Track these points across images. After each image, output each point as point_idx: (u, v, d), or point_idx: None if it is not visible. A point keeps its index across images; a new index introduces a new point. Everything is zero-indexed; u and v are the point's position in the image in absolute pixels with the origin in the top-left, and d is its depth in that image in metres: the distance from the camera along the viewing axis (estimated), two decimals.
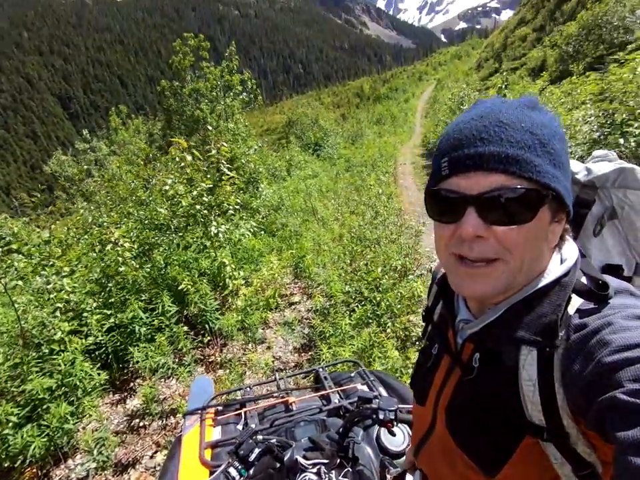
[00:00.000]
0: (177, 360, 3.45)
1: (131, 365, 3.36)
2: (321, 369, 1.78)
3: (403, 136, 21.57)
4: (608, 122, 5.03)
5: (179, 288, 3.61)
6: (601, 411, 0.43)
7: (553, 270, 0.56)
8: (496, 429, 0.56)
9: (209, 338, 3.70)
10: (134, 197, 5.28)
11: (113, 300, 3.45)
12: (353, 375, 1.72)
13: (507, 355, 0.55)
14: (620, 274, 0.65)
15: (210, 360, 3.63)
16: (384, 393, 1.55)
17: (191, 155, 3.69)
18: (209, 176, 4.11)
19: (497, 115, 0.51)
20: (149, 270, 3.92)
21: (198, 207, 3.85)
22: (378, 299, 3.49)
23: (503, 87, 8.44)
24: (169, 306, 3.49)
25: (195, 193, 3.83)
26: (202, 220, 3.98)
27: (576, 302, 0.52)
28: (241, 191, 6.81)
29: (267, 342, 3.87)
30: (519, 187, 0.49)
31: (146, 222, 4.45)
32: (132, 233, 4.08)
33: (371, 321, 3.42)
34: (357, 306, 3.63)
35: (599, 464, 0.50)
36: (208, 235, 4.05)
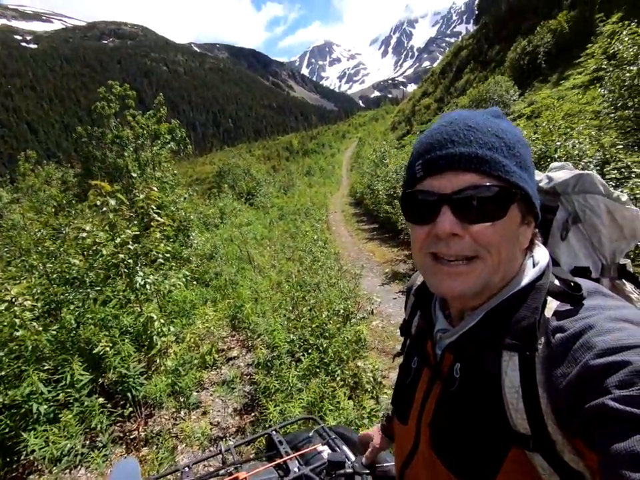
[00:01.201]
0: (88, 442, 2.83)
1: (24, 457, 2.66)
2: (273, 432, 1.54)
3: (331, 187, 22.84)
4: None
5: (94, 351, 3.07)
6: (588, 419, 0.42)
7: (527, 273, 0.58)
8: (481, 443, 0.54)
9: (130, 409, 3.14)
10: (39, 248, 4.57)
11: (3, 373, 2.78)
12: (311, 434, 1.51)
13: (488, 361, 0.55)
14: (588, 276, 0.67)
15: (132, 437, 3.05)
16: (348, 451, 1.38)
17: (115, 198, 3.36)
18: (135, 222, 3.76)
19: (465, 121, 0.54)
20: (55, 332, 3.30)
21: (121, 255, 3.44)
22: (325, 345, 3.35)
23: None
24: (80, 374, 2.92)
25: (118, 240, 3.44)
26: (126, 270, 3.55)
27: (552, 304, 0.54)
28: (170, 240, 6.37)
29: (202, 406, 3.41)
30: (490, 184, 0.51)
31: (54, 276, 3.83)
32: (35, 290, 3.46)
33: (318, 370, 3.23)
34: (303, 355, 3.44)
35: (588, 472, 0.48)
36: (132, 287, 3.60)
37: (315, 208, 14.42)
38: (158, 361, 3.53)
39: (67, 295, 3.70)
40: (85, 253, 3.68)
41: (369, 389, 2.98)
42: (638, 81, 5.13)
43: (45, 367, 2.99)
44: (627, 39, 5.38)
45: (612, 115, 5.64)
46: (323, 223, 11.97)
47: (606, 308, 0.50)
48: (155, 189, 3.82)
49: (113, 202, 3.36)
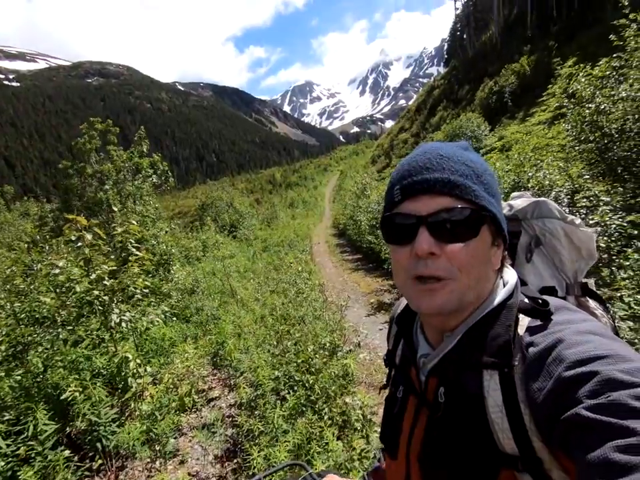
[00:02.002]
0: None
1: None
2: None
3: (314, 218, 23.06)
4: None
5: (62, 397, 2.84)
6: (565, 430, 0.44)
7: (499, 292, 0.61)
8: (470, 469, 0.54)
9: (100, 462, 2.87)
10: (8, 287, 4.33)
11: None
12: None
13: (470, 382, 0.56)
14: (555, 295, 0.71)
15: None
16: None
17: (92, 233, 3.25)
18: (112, 257, 3.63)
19: (437, 151, 0.59)
20: (19, 377, 3.05)
21: (96, 292, 3.28)
22: (311, 381, 3.21)
23: None
24: (44, 424, 2.67)
25: (93, 276, 3.30)
26: (100, 308, 3.38)
27: (524, 321, 0.57)
28: (150, 275, 6.17)
29: (180, 454, 3.15)
30: (462, 206, 0.56)
31: (22, 316, 3.60)
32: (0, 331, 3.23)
33: (305, 408, 3.07)
34: (289, 392, 3.27)
35: None
36: (107, 326, 3.41)
37: (299, 239, 14.43)
38: (132, 405, 3.28)
39: (35, 336, 3.47)
40: (57, 290, 3.49)
41: (359, 428, 2.84)
42: (597, 117, 5.53)
43: (5, 418, 2.73)
44: (583, 79, 5.86)
45: (577, 148, 6.00)
46: (307, 254, 11.94)
47: (573, 322, 0.53)
48: (135, 222, 3.73)
49: (89, 236, 3.25)
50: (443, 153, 0.59)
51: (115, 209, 7.60)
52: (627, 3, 5.55)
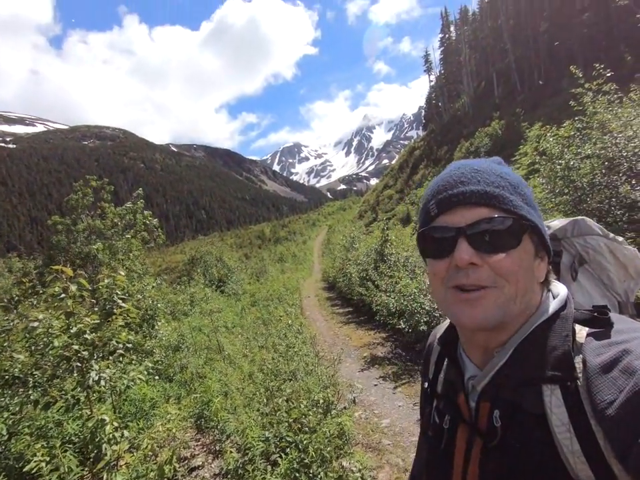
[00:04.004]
0: None
1: None
2: None
3: (304, 272, 22.98)
4: None
5: (25, 469, 2.53)
6: None
7: (549, 304, 0.58)
8: None
9: None
10: None
11: None
12: None
13: (528, 401, 0.52)
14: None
15: None
16: None
17: (77, 284, 3.16)
18: (96, 309, 3.49)
19: (471, 166, 0.60)
20: None
21: (76, 347, 3.10)
22: (305, 442, 2.96)
23: (386, 227, 10.23)
24: None
25: (74, 329, 3.13)
26: (79, 364, 3.16)
27: (582, 332, 0.53)
28: (132, 332, 5.90)
29: None
30: (500, 216, 0.55)
31: None
32: None
33: (298, 474, 2.80)
34: (280, 456, 3.00)
35: None
36: (84, 385, 3.17)
37: (288, 293, 14.22)
38: (105, 476, 2.93)
39: (2, 399, 3.18)
40: (33, 347, 3.28)
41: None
42: (567, 172, 5.95)
43: None
44: (551, 139, 6.41)
45: (553, 200, 6.35)
46: (297, 307, 11.70)
47: (638, 330, 0.50)
48: (122, 272, 3.65)
49: (74, 287, 3.15)
50: (476, 167, 0.59)
51: (101, 258, 7.47)
52: (581, 75, 6.29)
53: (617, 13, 22.51)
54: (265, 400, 3.79)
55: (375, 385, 5.45)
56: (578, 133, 6.25)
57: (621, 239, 0.72)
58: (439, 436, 0.66)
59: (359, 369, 6.25)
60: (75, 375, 3.24)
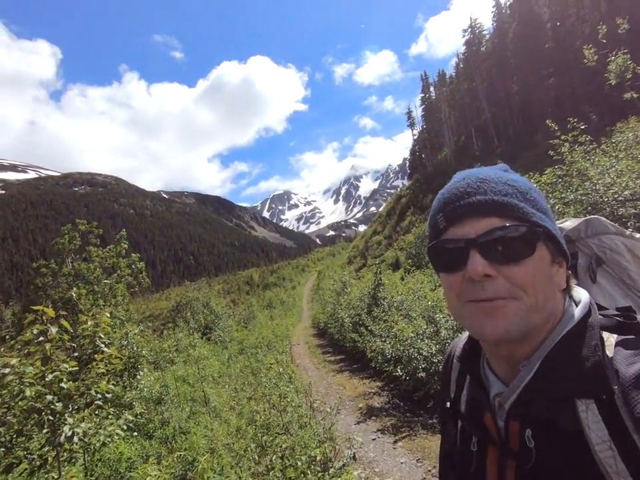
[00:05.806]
0: None
1: None
2: None
3: (293, 318, 22.43)
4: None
5: None
6: None
7: (573, 312, 0.56)
8: None
9: None
10: None
11: None
12: None
13: (563, 417, 0.48)
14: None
15: None
16: None
17: (58, 326, 2.94)
18: (76, 354, 3.23)
19: (476, 175, 0.58)
20: None
21: (49, 397, 2.81)
22: None
23: (378, 271, 10.18)
24: None
25: (49, 377, 2.86)
26: (51, 418, 2.85)
27: (610, 339, 0.51)
28: (112, 382, 5.47)
29: None
30: (511, 224, 0.53)
31: None
32: None
33: None
34: None
35: None
36: (55, 442, 2.83)
37: (278, 340, 13.71)
38: None
39: None
40: (1, 397, 2.97)
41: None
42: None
43: None
44: (535, 185, 6.72)
45: None
46: (287, 355, 11.20)
47: None
48: (108, 314, 3.44)
49: (54, 330, 2.93)
50: (482, 176, 0.57)
51: (81, 307, 7.14)
52: (557, 128, 6.78)
53: (580, 77, 24.96)
54: (257, 457, 3.44)
55: (374, 440, 5.06)
56: (560, 180, 6.57)
57: (638, 235, 0.69)
58: (467, 460, 0.62)
59: (354, 421, 5.85)
60: (45, 430, 2.91)
